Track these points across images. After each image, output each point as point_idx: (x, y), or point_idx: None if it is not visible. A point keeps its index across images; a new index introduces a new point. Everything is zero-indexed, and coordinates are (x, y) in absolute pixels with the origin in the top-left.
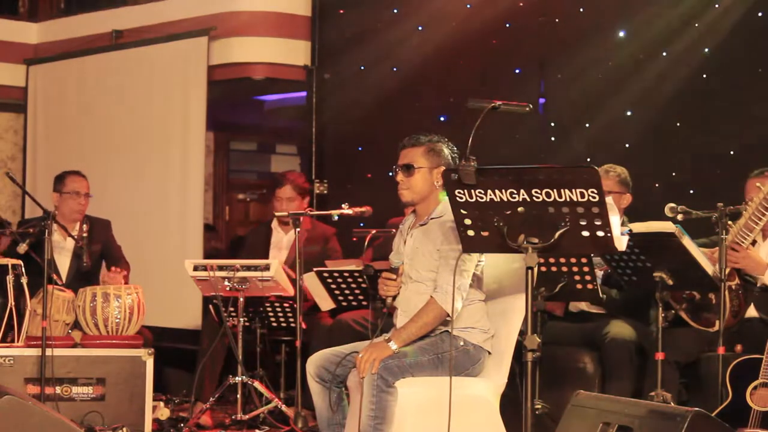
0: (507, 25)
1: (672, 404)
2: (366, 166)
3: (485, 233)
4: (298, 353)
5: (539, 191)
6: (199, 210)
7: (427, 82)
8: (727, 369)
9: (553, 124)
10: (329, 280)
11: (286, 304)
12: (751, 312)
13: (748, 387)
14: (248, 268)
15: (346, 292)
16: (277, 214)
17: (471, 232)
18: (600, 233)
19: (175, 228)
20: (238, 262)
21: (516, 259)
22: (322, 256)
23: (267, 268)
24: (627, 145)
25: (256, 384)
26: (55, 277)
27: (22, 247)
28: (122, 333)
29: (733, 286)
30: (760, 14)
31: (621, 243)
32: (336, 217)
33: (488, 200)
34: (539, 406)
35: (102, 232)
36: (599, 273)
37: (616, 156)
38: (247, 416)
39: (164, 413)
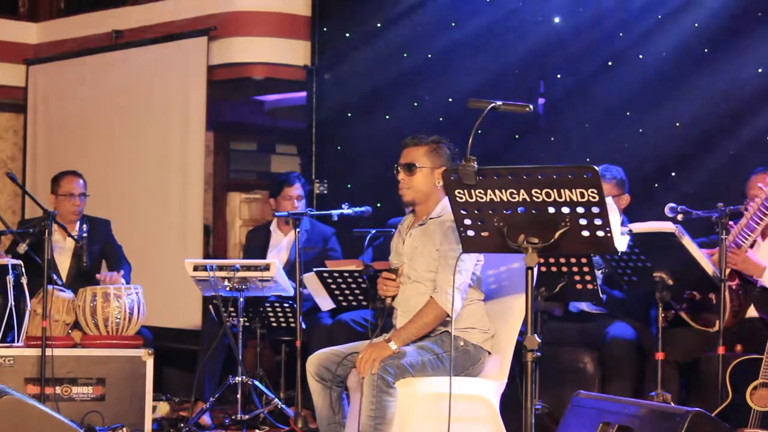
0: (507, 25)
1: (672, 404)
2: (366, 166)
3: (485, 233)
4: (298, 353)
5: (539, 191)
6: (199, 210)
7: (427, 82)
8: (727, 369)
9: (553, 124)
10: (329, 281)
11: (286, 304)
12: (751, 312)
13: (748, 387)
14: (248, 268)
15: (346, 292)
16: (276, 214)
17: (471, 232)
18: (600, 233)
19: (175, 228)
20: (238, 261)
21: (516, 259)
22: (322, 256)
23: (267, 268)
24: (626, 145)
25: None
26: (54, 277)
27: (22, 247)
28: (122, 333)
29: (733, 286)
30: (759, 14)
31: (621, 243)
32: (336, 217)
33: (488, 200)
34: (539, 406)
35: (102, 232)
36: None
37: (616, 156)
38: (247, 416)
39: (163, 407)
